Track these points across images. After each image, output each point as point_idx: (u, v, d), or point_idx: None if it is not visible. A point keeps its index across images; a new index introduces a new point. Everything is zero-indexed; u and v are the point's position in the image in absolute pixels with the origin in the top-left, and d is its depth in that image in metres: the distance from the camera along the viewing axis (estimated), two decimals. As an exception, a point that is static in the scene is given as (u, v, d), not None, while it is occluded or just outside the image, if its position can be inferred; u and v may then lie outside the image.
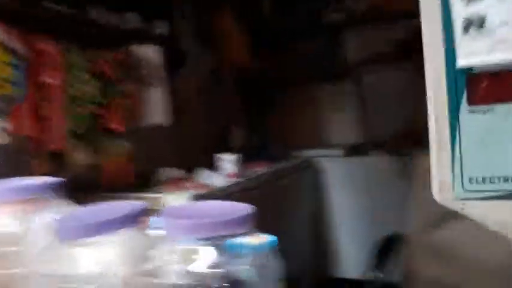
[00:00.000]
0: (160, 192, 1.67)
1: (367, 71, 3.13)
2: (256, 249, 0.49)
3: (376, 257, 1.87)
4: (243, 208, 0.51)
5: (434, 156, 0.40)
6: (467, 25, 0.37)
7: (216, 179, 1.86)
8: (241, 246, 0.48)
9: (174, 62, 2.08)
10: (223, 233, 0.46)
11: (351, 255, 2.79)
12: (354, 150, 3.00)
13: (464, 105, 0.38)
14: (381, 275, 1.79)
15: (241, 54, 2.70)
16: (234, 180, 1.92)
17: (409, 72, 2.76)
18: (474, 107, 0.38)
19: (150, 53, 1.90)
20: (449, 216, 1.89)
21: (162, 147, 2.02)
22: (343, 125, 3.40)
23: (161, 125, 1.91)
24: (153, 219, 0.54)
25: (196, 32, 2.38)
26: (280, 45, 3.48)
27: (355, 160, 2.90)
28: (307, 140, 3.38)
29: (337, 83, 3.43)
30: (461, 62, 0.38)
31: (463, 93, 0.38)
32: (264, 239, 0.51)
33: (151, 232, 0.50)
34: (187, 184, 1.78)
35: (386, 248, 1.92)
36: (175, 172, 1.91)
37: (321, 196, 2.89)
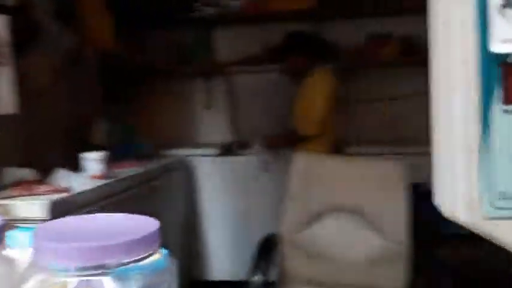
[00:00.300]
0: (6, 198, 1.33)
1: (238, 70, 3.11)
2: (150, 269, 0.37)
3: (254, 258, 1.84)
4: (146, 224, 0.36)
5: (460, 165, 0.32)
6: (506, 2, 0.30)
7: (77, 182, 1.58)
8: (133, 268, 0.35)
9: (24, 37, 1.72)
10: (123, 259, 0.32)
11: (228, 257, 2.73)
12: (227, 149, 2.95)
13: (496, 103, 0.31)
14: (260, 276, 1.75)
15: (104, 34, 2.40)
16: (99, 182, 1.66)
17: (280, 75, 2.84)
18: (509, 107, 0.31)
19: (-7, 24, 1.52)
20: (319, 216, 1.96)
21: (8, 141, 1.63)
22: (214, 123, 3.33)
23: (7, 115, 1.54)
24: (13, 236, 0.43)
25: (53, 4, 2.01)
26: (147, 32, 3.23)
27: (230, 160, 2.85)
28: (177, 137, 3.22)
29: (208, 80, 3.35)
30: (495, 47, 0.31)
31: (496, 88, 0.31)
32: (157, 255, 0.40)
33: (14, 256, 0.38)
34: (41, 188, 1.47)
35: (264, 249, 1.90)
36: (25, 172, 1.56)
37: (195, 197, 2.77)
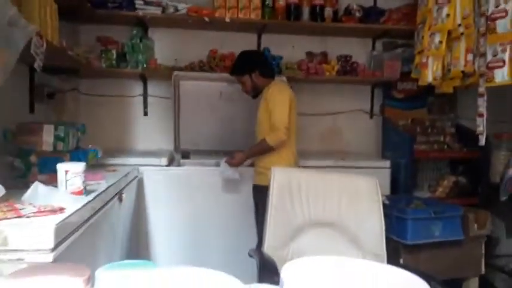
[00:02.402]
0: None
1: (183, 76, 2.95)
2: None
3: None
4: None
5: None
6: None
7: (59, 199, 1.32)
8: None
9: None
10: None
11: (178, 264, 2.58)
12: (171, 159, 2.78)
13: None
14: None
15: (50, 27, 2.08)
16: (80, 198, 1.41)
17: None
18: None
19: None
20: (300, 231, 1.96)
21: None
22: (151, 130, 3.13)
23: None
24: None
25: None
26: (80, 27, 2.90)
27: (177, 170, 2.69)
28: (116, 142, 2.94)
29: (145, 84, 3.13)
30: None
31: None
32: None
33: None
34: (27, 208, 1.20)
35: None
36: (-7, 188, 1.26)
37: (143, 205, 2.57)
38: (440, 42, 2.66)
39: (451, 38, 2.63)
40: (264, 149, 2.35)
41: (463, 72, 2.59)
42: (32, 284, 0.54)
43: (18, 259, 1.00)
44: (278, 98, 2.37)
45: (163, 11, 2.92)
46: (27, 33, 1.64)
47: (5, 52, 1.56)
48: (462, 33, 2.56)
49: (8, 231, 1.02)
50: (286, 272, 0.42)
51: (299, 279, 0.40)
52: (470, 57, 2.56)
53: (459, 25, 2.56)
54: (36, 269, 0.74)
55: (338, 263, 0.47)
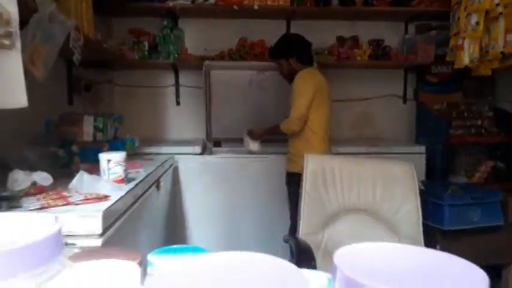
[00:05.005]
0: (41, 209, 1.11)
1: (213, 65, 2.97)
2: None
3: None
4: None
5: None
6: None
7: (103, 187, 1.37)
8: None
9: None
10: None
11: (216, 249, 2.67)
12: (204, 147, 2.83)
13: None
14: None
15: (86, 20, 2.13)
16: (123, 186, 1.46)
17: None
18: None
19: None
20: (335, 217, 1.96)
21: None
22: (184, 119, 3.18)
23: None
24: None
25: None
26: (112, 19, 2.95)
27: (210, 158, 2.73)
28: (149, 132, 3.01)
29: (177, 74, 3.17)
30: None
31: None
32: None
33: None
34: (74, 195, 1.25)
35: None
36: (41, 176, 1.32)
37: (179, 192, 2.64)
38: (477, 23, 2.57)
39: (489, 18, 2.54)
40: (278, 132, 2.41)
41: (502, 53, 2.50)
42: (90, 266, 0.57)
43: (71, 244, 1.05)
44: (299, 87, 2.35)
45: (192, 1, 2.94)
46: (66, 28, 1.69)
47: (46, 47, 1.61)
48: (501, 13, 2.46)
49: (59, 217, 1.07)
50: (339, 257, 0.43)
51: (353, 264, 0.40)
52: (510, 37, 2.47)
53: (497, 5, 2.47)
54: (90, 253, 0.78)
55: (392, 249, 0.47)
